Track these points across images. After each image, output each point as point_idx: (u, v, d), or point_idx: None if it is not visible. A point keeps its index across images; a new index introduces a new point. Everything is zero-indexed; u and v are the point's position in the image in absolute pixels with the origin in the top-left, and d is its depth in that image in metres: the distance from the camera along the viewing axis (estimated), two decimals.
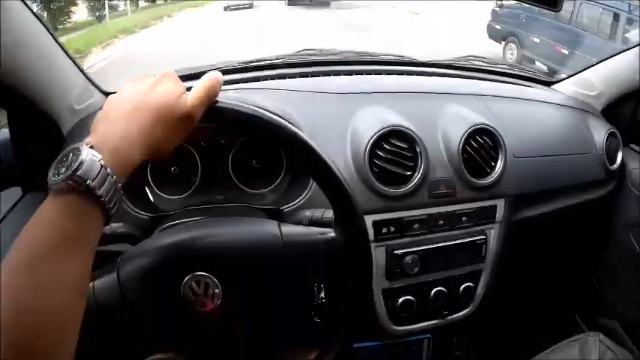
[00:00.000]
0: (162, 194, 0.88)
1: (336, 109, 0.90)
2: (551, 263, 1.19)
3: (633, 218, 1.21)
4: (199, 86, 0.50)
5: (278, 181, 0.89)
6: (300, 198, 0.83)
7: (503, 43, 6.90)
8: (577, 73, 1.23)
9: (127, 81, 0.51)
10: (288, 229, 0.62)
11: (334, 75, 1.03)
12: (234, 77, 0.99)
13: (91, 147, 0.41)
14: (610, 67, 1.21)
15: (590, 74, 1.22)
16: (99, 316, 0.52)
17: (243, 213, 0.80)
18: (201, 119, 0.50)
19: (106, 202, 0.41)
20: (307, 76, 1.01)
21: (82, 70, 0.93)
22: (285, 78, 0.99)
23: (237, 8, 15.19)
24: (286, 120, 0.56)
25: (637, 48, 1.15)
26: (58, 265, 0.37)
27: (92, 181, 0.39)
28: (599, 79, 1.21)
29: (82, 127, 0.90)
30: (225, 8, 15.63)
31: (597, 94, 1.21)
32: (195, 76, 0.97)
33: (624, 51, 1.20)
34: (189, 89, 0.50)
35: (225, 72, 1.00)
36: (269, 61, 1.04)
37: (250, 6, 15.54)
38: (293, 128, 0.55)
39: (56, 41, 0.83)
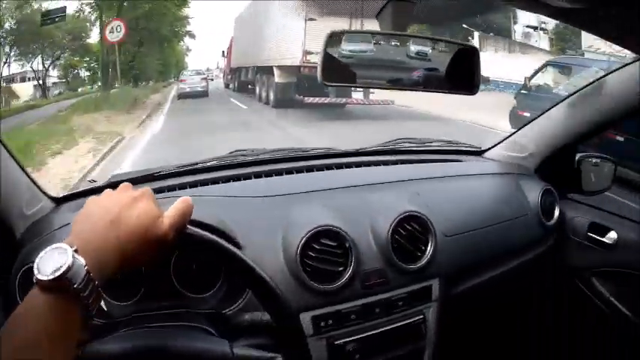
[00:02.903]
0: (112, 301, 0.91)
1: (270, 212, 0.94)
2: (499, 325, 1.23)
3: (576, 263, 1.27)
4: (173, 211, 0.55)
5: (217, 285, 0.92)
6: (240, 301, 0.87)
7: None
8: (507, 138, 1.30)
9: None
10: (239, 350, 0.69)
11: (266, 176, 1.07)
12: (170, 183, 1.02)
13: (76, 250, 0.46)
14: (539, 126, 1.28)
15: (519, 136, 1.29)
16: None
17: (186, 319, 0.84)
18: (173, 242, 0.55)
19: (89, 305, 0.45)
20: (240, 179, 1.05)
21: (28, 175, 0.97)
22: (218, 182, 1.03)
23: (190, 96, 12.93)
24: (222, 229, 0.64)
25: (563, 103, 1.22)
26: (49, 355, 0.42)
27: (78, 284, 0.44)
28: (529, 139, 1.28)
29: (34, 231, 0.93)
30: (180, 96, 13.45)
31: (529, 155, 1.27)
32: (137, 180, 1.02)
33: (550, 109, 1.27)
34: None
35: (160, 177, 1.04)
36: (202, 165, 1.08)
37: (206, 94, 13.42)
38: (232, 248, 0.62)
39: (5, 147, 0.87)
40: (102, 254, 0.48)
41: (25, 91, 15.48)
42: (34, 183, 0.99)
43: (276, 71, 10.09)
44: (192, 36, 20.73)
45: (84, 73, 17.78)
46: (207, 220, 0.65)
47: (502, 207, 1.14)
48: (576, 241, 1.27)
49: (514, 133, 1.29)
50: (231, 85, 17.00)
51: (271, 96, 10.59)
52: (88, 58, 16.83)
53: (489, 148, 1.31)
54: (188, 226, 0.57)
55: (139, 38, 15.99)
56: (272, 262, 0.88)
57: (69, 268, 0.44)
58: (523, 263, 1.14)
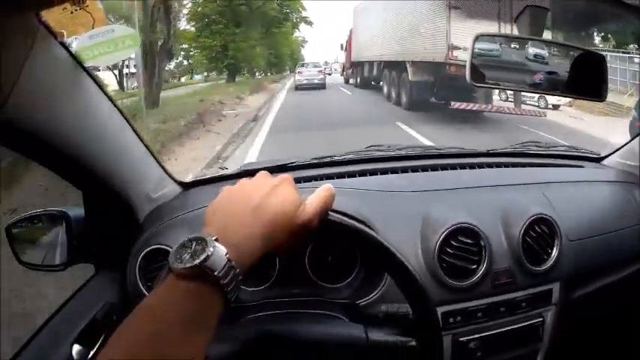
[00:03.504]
0: (242, 286, 0.95)
1: (406, 207, 0.97)
2: (612, 332, 1.23)
3: None
4: (316, 198, 0.54)
5: (353, 276, 0.95)
6: (375, 292, 0.89)
7: None
8: (625, 145, 1.27)
9: None
10: (374, 334, 0.69)
11: (402, 172, 1.09)
12: (307, 174, 1.05)
13: (216, 239, 0.45)
14: None
15: (634, 144, 1.26)
16: None
17: (320, 307, 0.85)
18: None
19: (229, 292, 0.45)
20: (377, 174, 1.07)
21: (158, 161, 1.00)
22: (354, 176, 1.05)
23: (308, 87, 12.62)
24: (362, 219, 0.62)
25: None
26: (181, 345, 0.41)
27: (219, 272, 0.43)
28: None
29: (158, 215, 0.97)
30: (297, 87, 13.27)
31: None
32: (270, 169, 1.05)
33: None
34: None
35: (292, 168, 1.07)
36: (338, 158, 1.11)
37: (323, 87, 13.06)
38: (379, 238, 0.60)
39: (135, 133, 0.90)
40: (243, 243, 0.47)
41: (109, 79, 13.23)
42: (162, 167, 1.02)
43: (409, 68, 8.65)
44: (309, 23, 17.54)
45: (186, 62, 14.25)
46: (346, 210, 0.64)
47: (619, 215, 1.14)
48: None
49: (631, 140, 1.27)
50: (351, 81, 15.88)
51: (403, 97, 9.14)
52: (185, 45, 13.18)
53: (607, 155, 1.30)
54: (330, 212, 0.56)
55: (233, 15, 12.61)
56: (410, 256, 0.90)
57: (207, 257, 0.43)
58: (634, 273, 1.14)
